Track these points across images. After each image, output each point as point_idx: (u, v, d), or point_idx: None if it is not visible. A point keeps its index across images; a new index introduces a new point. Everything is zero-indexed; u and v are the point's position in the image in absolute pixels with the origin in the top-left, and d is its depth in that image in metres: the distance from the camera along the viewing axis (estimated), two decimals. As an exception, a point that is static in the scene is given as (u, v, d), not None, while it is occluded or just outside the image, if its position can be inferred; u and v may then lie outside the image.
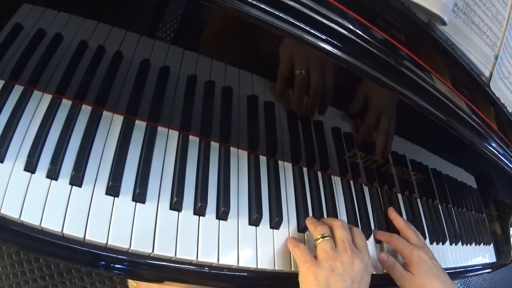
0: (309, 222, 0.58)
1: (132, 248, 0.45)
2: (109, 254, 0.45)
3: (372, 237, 0.68)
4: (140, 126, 0.53)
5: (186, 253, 0.48)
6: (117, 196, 0.47)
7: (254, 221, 0.55)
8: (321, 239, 0.53)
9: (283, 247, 0.56)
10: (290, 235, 0.58)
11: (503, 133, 0.66)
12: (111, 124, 0.52)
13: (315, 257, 0.53)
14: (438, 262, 0.65)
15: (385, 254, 0.65)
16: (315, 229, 0.55)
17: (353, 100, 0.56)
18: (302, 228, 0.59)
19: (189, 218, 0.50)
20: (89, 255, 0.44)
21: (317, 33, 0.43)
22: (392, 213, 0.72)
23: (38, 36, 0.44)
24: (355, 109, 0.58)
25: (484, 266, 0.97)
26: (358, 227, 0.63)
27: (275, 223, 0.57)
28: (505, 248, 1.04)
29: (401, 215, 0.76)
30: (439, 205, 0.89)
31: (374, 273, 0.63)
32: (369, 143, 0.64)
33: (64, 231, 0.42)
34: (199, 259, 0.48)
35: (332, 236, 0.55)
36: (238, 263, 0.51)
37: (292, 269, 0.55)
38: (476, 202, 1.00)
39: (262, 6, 0.40)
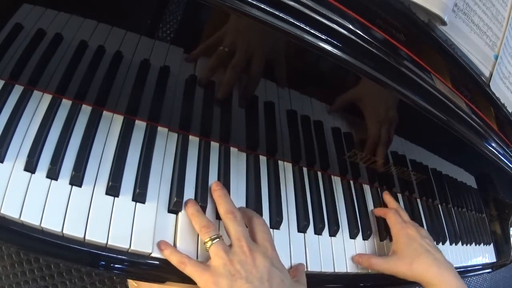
0: (194, 218, 0.49)
1: (132, 248, 0.45)
2: (109, 254, 0.45)
3: (373, 236, 0.68)
4: (140, 126, 0.53)
5: (186, 253, 0.47)
6: (117, 196, 0.47)
7: (254, 221, 0.55)
8: (210, 242, 0.46)
9: (284, 247, 0.56)
10: (290, 235, 0.58)
11: (503, 133, 0.66)
12: (111, 124, 0.52)
13: (210, 265, 0.46)
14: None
15: (358, 256, 0.63)
16: (200, 230, 0.48)
17: (353, 101, 0.56)
18: (302, 227, 0.59)
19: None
20: (89, 255, 0.44)
21: (317, 33, 0.43)
22: (387, 196, 0.72)
23: (38, 36, 0.44)
24: (355, 110, 0.58)
25: (484, 266, 0.97)
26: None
27: (275, 223, 0.57)
28: (505, 248, 1.04)
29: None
30: (439, 205, 0.89)
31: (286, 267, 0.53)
32: (369, 143, 0.64)
33: (64, 231, 0.42)
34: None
35: (226, 232, 0.49)
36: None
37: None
38: (476, 202, 1.00)
39: (262, 6, 0.40)
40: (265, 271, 0.46)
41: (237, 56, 0.47)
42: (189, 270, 0.45)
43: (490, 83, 0.62)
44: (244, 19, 0.41)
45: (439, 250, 0.60)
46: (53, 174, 0.44)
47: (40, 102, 0.49)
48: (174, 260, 0.46)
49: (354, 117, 0.59)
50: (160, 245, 0.46)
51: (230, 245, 0.48)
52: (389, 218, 0.66)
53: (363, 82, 0.52)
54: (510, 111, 0.67)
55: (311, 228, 0.61)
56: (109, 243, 0.44)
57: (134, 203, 0.48)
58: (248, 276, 0.45)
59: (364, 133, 0.62)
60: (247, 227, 0.51)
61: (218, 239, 0.47)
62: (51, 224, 0.42)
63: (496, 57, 0.62)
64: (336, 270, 0.60)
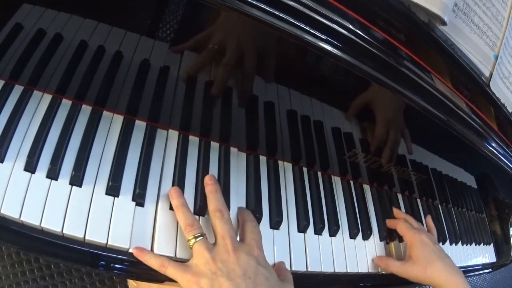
0: (178, 212, 0.48)
1: (132, 248, 0.45)
2: (109, 254, 0.45)
3: (373, 236, 0.68)
4: (140, 126, 0.53)
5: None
6: (117, 196, 0.47)
7: (254, 221, 0.55)
8: (193, 240, 0.46)
9: (284, 247, 0.56)
10: (290, 235, 0.58)
11: (503, 133, 0.66)
12: (111, 124, 0.52)
13: (192, 264, 0.46)
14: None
15: (377, 258, 0.66)
16: (185, 228, 0.47)
17: (353, 101, 0.56)
18: (302, 227, 0.59)
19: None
20: (89, 255, 0.44)
21: (317, 33, 0.43)
22: (394, 210, 0.74)
23: (38, 36, 0.44)
24: (356, 110, 0.58)
25: (484, 266, 0.97)
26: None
27: (275, 223, 0.57)
28: (505, 248, 1.04)
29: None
30: (439, 205, 0.89)
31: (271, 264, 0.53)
32: (370, 143, 0.64)
33: (64, 231, 0.42)
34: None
35: (213, 229, 0.49)
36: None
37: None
38: (476, 202, 1.00)
39: (262, 6, 0.40)
40: (248, 268, 0.45)
41: (228, 54, 0.46)
42: (171, 272, 0.45)
43: (490, 83, 0.62)
44: (243, 19, 0.41)
45: (448, 255, 0.65)
46: (53, 174, 0.44)
47: (40, 102, 0.49)
48: (154, 264, 0.45)
49: (354, 118, 0.59)
50: (136, 252, 0.45)
51: (215, 243, 0.47)
52: (400, 228, 0.68)
53: (364, 83, 0.52)
54: (510, 111, 0.67)
55: (311, 228, 0.61)
56: (109, 243, 0.44)
57: (134, 203, 0.48)
58: (230, 273, 0.44)
59: (365, 133, 0.62)
60: (239, 227, 0.52)
61: (201, 237, 0.46)
62: (51, 224, 0.42)
63: (496, 57, 0.62)
64: (336, 270, 0.60)
